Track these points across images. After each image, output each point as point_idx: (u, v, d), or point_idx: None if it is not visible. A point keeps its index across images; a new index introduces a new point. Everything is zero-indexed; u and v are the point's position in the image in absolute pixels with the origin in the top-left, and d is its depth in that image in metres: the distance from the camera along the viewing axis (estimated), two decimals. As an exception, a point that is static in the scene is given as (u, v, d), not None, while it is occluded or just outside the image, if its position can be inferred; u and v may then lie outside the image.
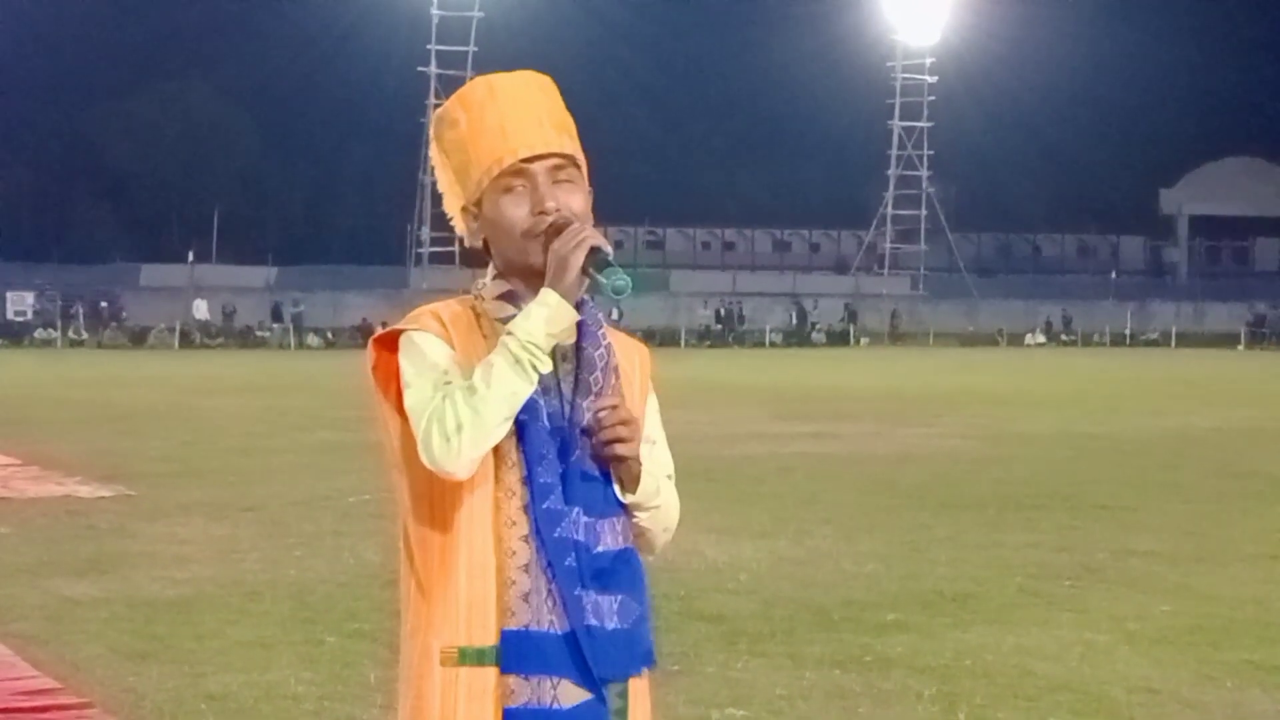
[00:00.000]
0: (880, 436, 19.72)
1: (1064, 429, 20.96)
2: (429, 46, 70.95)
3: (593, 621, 2.54)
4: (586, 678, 2.53)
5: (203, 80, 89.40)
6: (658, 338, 56.56)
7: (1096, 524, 11.89)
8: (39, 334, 55.42)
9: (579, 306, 2.54)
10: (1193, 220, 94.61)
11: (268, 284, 67.75)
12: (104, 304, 60.26)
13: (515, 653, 2.53)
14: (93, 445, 17.52)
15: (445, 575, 2.55)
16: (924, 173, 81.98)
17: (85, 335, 56.09)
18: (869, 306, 71.26)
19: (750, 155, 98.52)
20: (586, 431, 2.58)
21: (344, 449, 16.44)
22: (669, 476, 2.75)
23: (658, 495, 2.69)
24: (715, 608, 8.45)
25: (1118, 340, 67.05)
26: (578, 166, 2.66)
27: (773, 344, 61.49)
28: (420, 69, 70.75)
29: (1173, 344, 65.31)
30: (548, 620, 2.53)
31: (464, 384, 2.48)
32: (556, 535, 2.54)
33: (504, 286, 2.65)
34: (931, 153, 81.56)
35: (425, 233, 70.03)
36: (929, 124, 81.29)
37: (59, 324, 56.17)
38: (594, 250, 2.51)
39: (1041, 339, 66.79)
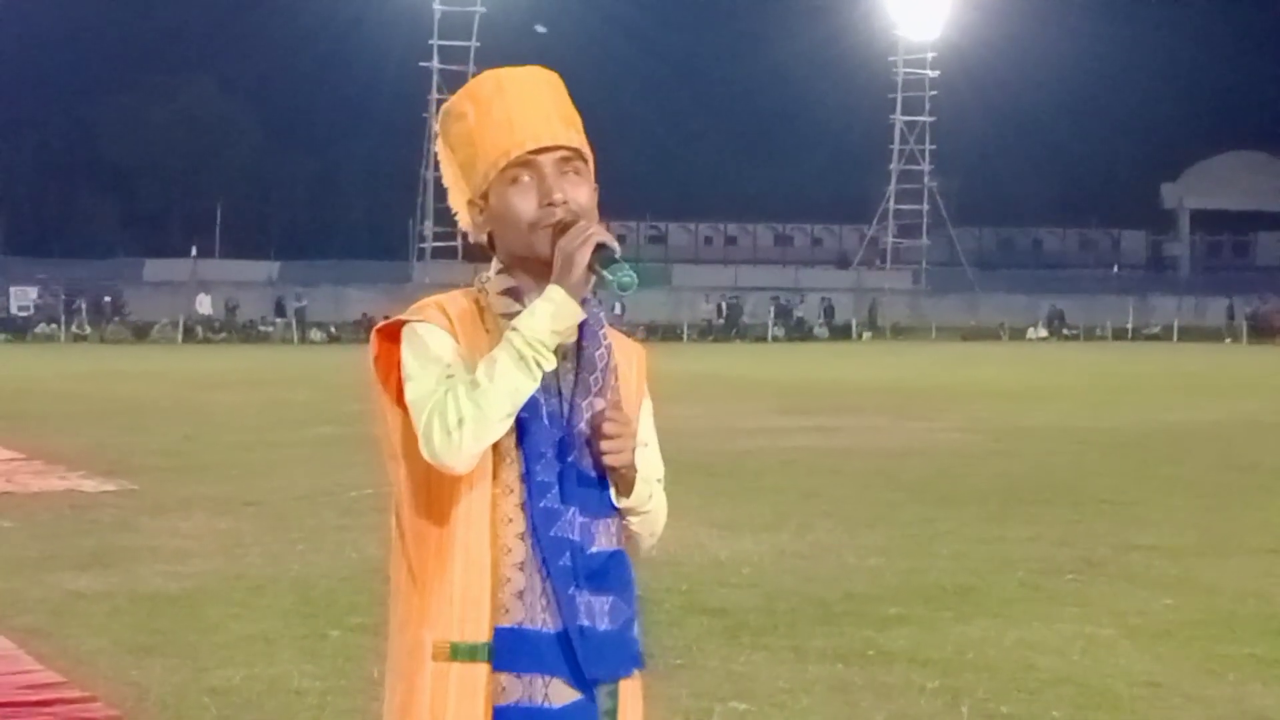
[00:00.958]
0: (882, 430, 19.71)
1: (1066, 423, 20.94)
2: (431, 41, 70.87)
3: (585, 622, 2.55)
4: (578, 677, 2.54)
5: (205, 75, 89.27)
6: (659, 332, 56.53)
7: (1098, 518, 11.89)
8: (42, 329, 55.31)
9: (582, 304, 2.54)
10: (1194, 214, 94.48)
11: (271, 279, 67.78)
12: (107, 299, 60.14)
13: (508, 650, 2.53)
14: (96, 440, 17.50)
15: (440, 569, 2.55)
16: (925, 167, 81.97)
17: (88, 330, 55.99)
18: (863, 303, 71.10)
19: (752, 150, 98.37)
20: (585, 433, 2.59)
21: (347, 443, 16.40)
22: (659, 480, 2.74)
23: (650, 500, 2.69)
24: (717, 601, 8.45)
25: (1119, 334, 66.98)
26: (585, 161, 2.66)
27: (775, 338, 61.47)
28: (422, 64, 70.69)
29: (1174, 338, 65.25)
30: (541, 619, 2.53)
31: (467, 378, 2.47)
32: (553, 534, 2.55)
33: (508, 281, 2.65)
34: (933, 147, 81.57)
35: (428, 228, 70.04)
36: (931, 119, 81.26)
37: (62, 319, 56.02)
38: (600, 247, 2.51)
39: (1043, 333, 66.68)
